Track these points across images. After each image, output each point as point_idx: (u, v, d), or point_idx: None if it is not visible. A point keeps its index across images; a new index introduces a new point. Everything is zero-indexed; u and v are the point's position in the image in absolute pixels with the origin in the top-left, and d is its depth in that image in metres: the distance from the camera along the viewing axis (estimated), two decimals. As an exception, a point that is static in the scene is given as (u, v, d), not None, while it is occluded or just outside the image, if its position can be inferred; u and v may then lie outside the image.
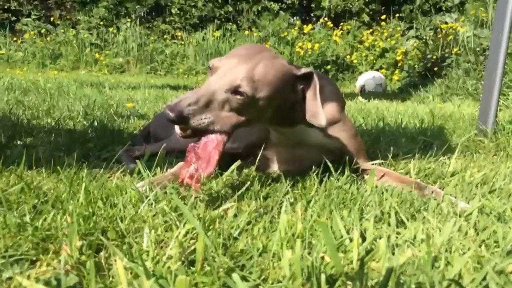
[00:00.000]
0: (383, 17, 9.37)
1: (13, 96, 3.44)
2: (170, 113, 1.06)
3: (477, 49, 5.40)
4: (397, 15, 9.71)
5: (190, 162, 1.14)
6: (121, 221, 0.95)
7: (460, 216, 1.05)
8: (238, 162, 1.43)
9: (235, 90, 1.14)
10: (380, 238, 0.90)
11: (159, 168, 1.42)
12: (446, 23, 6.79)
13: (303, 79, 1.26)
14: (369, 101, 4.50)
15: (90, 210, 0.95)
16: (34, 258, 0.81)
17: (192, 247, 0.83)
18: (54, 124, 2.22)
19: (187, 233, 0.88)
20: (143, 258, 0.79)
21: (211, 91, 1.13)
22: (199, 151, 1.14)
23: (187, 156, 1.15)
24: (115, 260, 0.77)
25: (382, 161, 1.56)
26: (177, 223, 0.92)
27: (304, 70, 1.26)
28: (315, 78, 1.25)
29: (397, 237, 0.94)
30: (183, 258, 0.79)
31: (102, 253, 0.80)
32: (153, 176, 1.34)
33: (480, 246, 0.90)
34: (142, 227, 0.92)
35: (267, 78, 1.17)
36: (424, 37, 6.84)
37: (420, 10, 9.60)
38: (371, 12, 10.10)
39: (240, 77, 1.14)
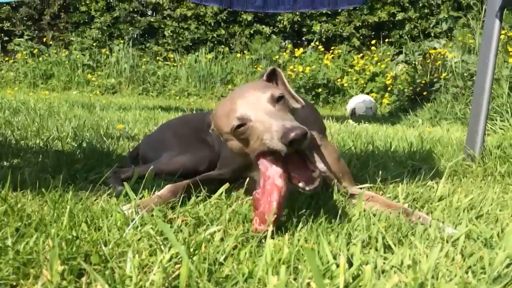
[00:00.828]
0: (373, 42, 9.53)
1: (2, 116, 3.42)
2: (297, 132, 1.04)
3: (465, 74, 5.50)
4: (386, 40, 9.89)
5: (256, 208, 1.10)
6: (105, 245, 0.93)
7: (447, 242, 1.05)
8: (226, 185, 1.43)
9: (276, 99, 1.18)
10: (367, 263, 0.89)
11: (146, 190, 1.41)
12: (434, 48, 6.92)
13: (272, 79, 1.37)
14: (359, 124, 4.54)
15: (74, 234, 0.94)
16: (14, 283, 0.79)
17: (177, 272, 0.82)
18: (43, 145, 2.21)
19: (171, 257, 0.86)
20: (126, 283, 0.77)
21: (269, 112, 1.14)
22: (258, 196, 1.10)
23: (254, 206, 1.11)
24: (96, 286, 0.75)
25: (370, 185, 1.56)
26: (162, 247, 0.91)
27: (268, 71, 1.37)
28: (279, 71, 1.36)
29: (384, 263, 0.93)
30: (166, 284, 0.77)
31: (83, 279, 0.78)
32: (140, 198, 1.32)
33: (466, 272, 0.89)
34: (126, 251, 0.91)
35: (267, 84, 1.28)
36: (413, 62, 6.95)
37: (409, 35, 9.79)
38: (361, 37, 10.28)
39: (266, 93, 1.19)
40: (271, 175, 1.10)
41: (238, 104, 1.19)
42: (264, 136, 1.10)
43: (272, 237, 1.02)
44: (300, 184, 1.13)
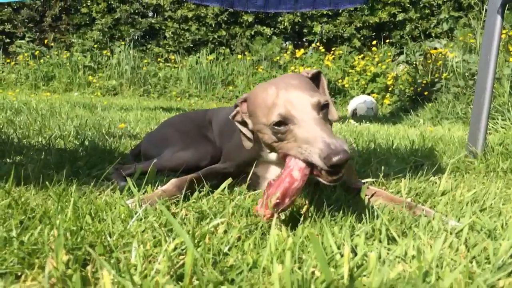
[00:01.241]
0: (374, 42, 9.54)
1: (4, 115, 3.42)
2: (341, 157, 0.99)
3: (466, 74, 5.49)
4: (387, 40, 9.89)
5: (264, 193, 1.08)
6: (110, 236, 0.93)
7: (451, 233, 1.05)
8: (229, 180, 1.43)
9: (321, 106, 1.14)
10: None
11: (149, 185, 1.41)
12: (435, 48, 6.92)
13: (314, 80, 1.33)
14: (360, 124, 4.54)
15: (78, 225, 0.94)
16: (19, 273, 0.79)
17: (181, 262, 0.82)
18: (45, 143, 2.21)
19: (176, 247, 0.86)
20: (131, 272, 0.77)
21: (315, 120, 1.10)
22: (272, 182, 1.09)
23: (265, 190, 1.10)
24: (102, 274, 0.75)
25: (373, 179, 1.56)
26: (166, 238, 0.91)
27: (312, 71, 1.33)
28: (322, 76, 1.34)
29: (388, 253, 0.93)
30: (171, 273, 0.77)
31: (88, 267, 0.79)
32: (143, 193, 1.33)
33: (471, 262, 0.89)
34: (131, 242, 0.91)
35: (312, 85, 1.24)
36: (414, 62, 6.94)
37: (410, 36, 9.80)
38: (362, 38, 10.29)
39: (314, 97, 1.14)
40: (291, 166, 1.09)
41: (283, 100, 1.14)
42: (304, 146, 1.07)
43: (277, 227, 1.02)
44: (323, 172, 1.06)
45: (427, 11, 10.15)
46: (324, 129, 1.08)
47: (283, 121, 1.13)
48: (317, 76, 1.35)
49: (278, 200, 1.04)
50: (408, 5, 10.15)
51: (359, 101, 6.60)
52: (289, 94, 1.15)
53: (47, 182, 1.29)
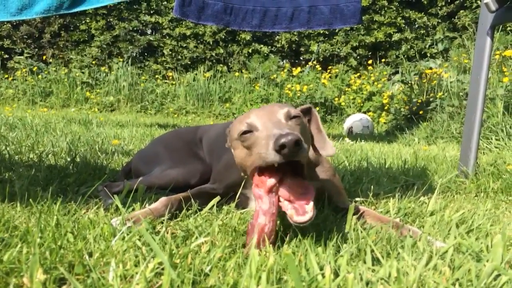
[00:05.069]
0: (370, 61, 9.62)
1: (-2, 131, 3.42)
2: (289, 137, 1.00)
3: (461, 93, 5.53)
4: (383, 60, 9.98)
5: (247, 234, 1.09)
6: (90, 256, 0.92)
7: (436, 254, 1.04)
8: (217, 198, 1.43)
9: (291, 116, 1.18)
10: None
11: (138, 203, 1.40)
12: (430, 68, 6.97)
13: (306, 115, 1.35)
14: (356, 142, 4.55)
15: (59, 243, 0.93)
16: (-5, 292, 0.78)
17: (160, 282, 0.81)
18: (36, 159, 2.20)
19: (155, 267, 0.85)
20: (108, 292, 0.76)
21: (278, 123, 1.12)
22: (249, 226, 1.10)
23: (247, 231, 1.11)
24: (78, 294, 0.74)
25: (362, 199, 1.56)
26: (146, 257, 0.90)
27: (302, 107, 1.35)
28: (314, 111, 1.35)
29: (371, 275, 0.92)
30: (149, 293, 0.77)
31: (64, 287, 0.78)
32: (131, 211, 1.32)
33: (454, 284, 0.88)
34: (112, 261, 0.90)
35: (290, 105, 1.26)
36: (410, 81, 6.99)
37: (405, 56, 9.89)
38: (358, 57, 10.38)
39: (283, 108, 1.19)
40: (258, 210, 1.08)
41: (253, 113, 1.20)
42: (262, 149, 1.07)
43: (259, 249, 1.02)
44: (288, 212, 1.06)
45: (422, 32, 10.26)
46: (281, 127, 1.09)
47: (250, 129, 1.15)
48: (309, 111, 1.36)
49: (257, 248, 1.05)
50: (404, 26, 10.27)
51: (355, 119, 6.63)
52: (261, 110, 1.20)
53: (31, 200, 1.28)
